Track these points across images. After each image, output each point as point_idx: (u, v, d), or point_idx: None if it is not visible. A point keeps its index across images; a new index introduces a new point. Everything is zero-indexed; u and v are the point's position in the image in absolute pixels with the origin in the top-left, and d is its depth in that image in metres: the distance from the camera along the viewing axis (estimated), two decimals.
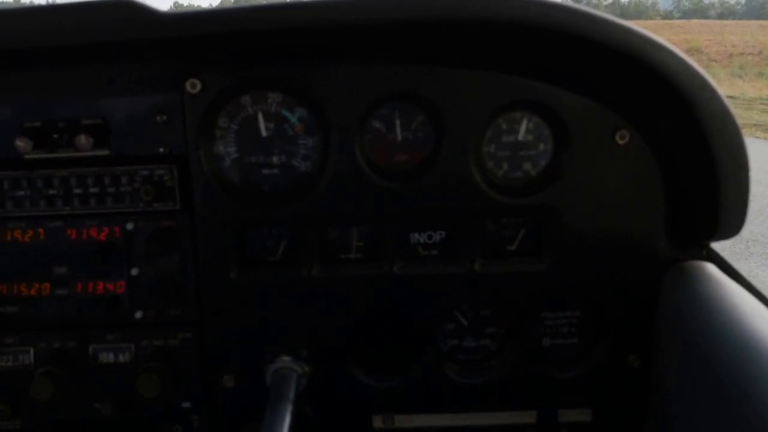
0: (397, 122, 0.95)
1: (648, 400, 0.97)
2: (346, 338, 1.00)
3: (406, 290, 0.98)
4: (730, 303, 0.80)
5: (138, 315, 0.98)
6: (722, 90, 0.80)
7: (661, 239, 0.95)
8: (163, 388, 0.94)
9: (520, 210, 0.97)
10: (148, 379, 0.94)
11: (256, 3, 0.84)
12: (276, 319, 0.98)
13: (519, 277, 0.97)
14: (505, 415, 1.02)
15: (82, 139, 0.92)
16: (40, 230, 0.96)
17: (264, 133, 0.95)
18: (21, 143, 0.92)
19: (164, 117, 0.93)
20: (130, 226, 0.96)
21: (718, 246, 0.98)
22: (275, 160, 0.96)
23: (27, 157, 0.94)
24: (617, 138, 0.91)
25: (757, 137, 10.66)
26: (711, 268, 0.92)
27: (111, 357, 0.99)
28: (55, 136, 0.94)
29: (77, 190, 0.95)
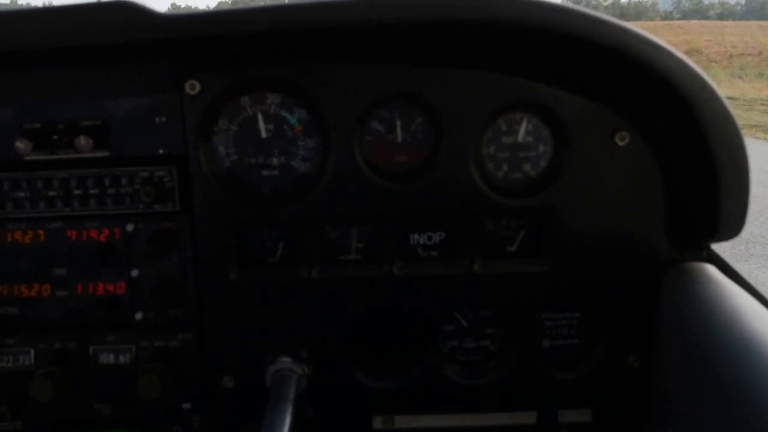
0: (397, 123, 0.95)
1: (648, 400, 0.97)
2: (346, 339, 1.00)
3: (405, 291, 0.98)
4: (729, 304, 0.80)
5: (138, 316, 0.98)
6: (722, 91, 0.80)
7: (661, 240, 0.95)
8: (164, 389, 0.94)
9: (520, 211, 0.97)
10: (148, 380, 0.94)
11: (254, 4, 0.84)
12: (276, 320, 0.98)
13: (519, 277, 0.97)
14: (505, 415, 1.02)
15: (82, 141, 0.92)
16: (40, 231, 0.96)
17: (263, 134, 0.95)
18: (21, 145, 0.92)
19: (163, 118, 0.93)
20: (130, 227, 0.96)
21: (718, 247, 0.98)
22: (275, 161, 0.96)
23: (27, 158, 0.94)
24: (617, 139, 0.91)
25: (758, 138, 10.67)
26: (711, 269, 0.92)
27: (111, 358, 0.99)
28: (55, 137, 0.94)
29: (77, 192, 0.95)
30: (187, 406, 1.01)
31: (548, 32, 0.79)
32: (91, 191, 0.95)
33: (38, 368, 0.96)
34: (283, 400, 0.90)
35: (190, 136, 0.92)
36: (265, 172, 0.97)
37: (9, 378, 0.99)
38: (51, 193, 0.95)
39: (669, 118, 0.87)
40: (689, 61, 0.80)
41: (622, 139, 0.91)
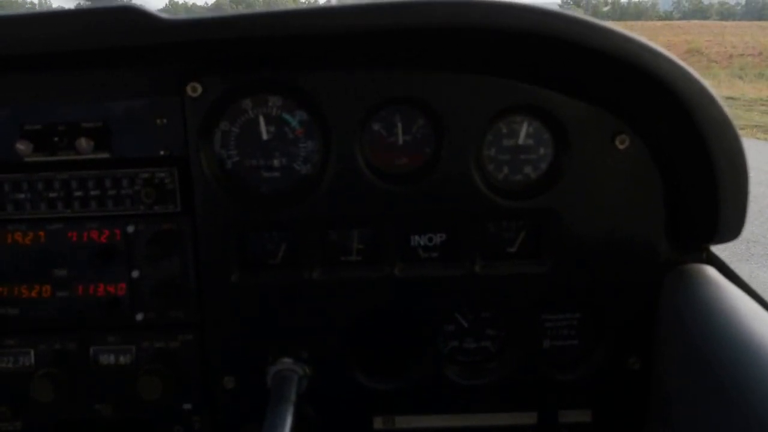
0: (398, 125, 0.95)
1: (648, 402, 0.98)
2: (346, 340, 1.00)
3: (406, 292, 0.98)
4: (729, 306, 0.81)
5: (139, 317, 0.98)
6: (722, 91, 0.81)
7: (661, 242, 0.95)
8: (164, 390, 0.94)
9: (521, 213, 0.97)
10: (149, 380, 0.94)
11: (252, 4, 0.84)
12: (277, 321, 0.98)
13: (519, 279, 0.98)
14: (505, 416, 1.02)
15: (83, 142, 0.92)
16: (41, 233, 0.96)
17: (265, 136, 0.95)
18: (21, 146, 0.92)
19: (165, 120, 0.93)
20: (130, 228, 0.96)
21: (718, 248, 0.98)
22: (276, 163, 0.96)
23: (27, 159, 0.94)
24: (617, 142, 0.91)
25: (758, 138, 10.66)
26: (711, 271, 0.92)
27: (112, 359, 0.99)
28: (56, 139, 0.94)
29: (78, 193, 0.95)
30: (187, 406, 1.01)
31: (549, 39, 0.79)
32: (92, 192, 0.95)
33: (38, 369, 0.96)
34: (284, 400, 0.90)
35: (191, 137, 0.92)
36: (266, 174, 0.97)
37: (9, 378, 0.99)
38: (51, 195, 0.95)
39: (669, 123, 0.87)
40: (688, 67, 0.80)
41: (622, 143, 0.91)
